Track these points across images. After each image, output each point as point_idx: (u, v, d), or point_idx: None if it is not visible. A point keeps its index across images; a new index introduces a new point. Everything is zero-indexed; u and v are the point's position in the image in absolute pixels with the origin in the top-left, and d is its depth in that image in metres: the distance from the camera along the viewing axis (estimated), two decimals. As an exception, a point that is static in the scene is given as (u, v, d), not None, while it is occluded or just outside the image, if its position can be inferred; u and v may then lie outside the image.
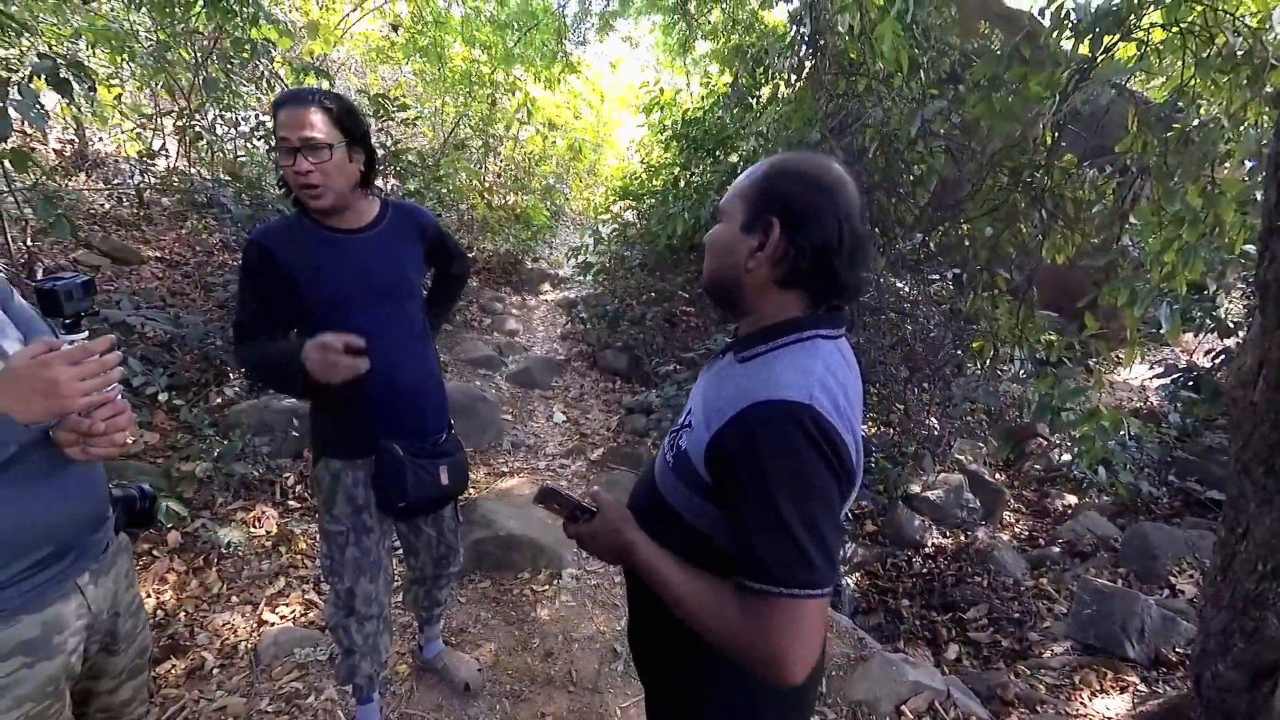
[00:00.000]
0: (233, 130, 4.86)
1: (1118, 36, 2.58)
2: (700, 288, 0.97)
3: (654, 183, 6.82)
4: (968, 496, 3.93)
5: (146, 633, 1.25)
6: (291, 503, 2.82)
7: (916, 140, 3.09)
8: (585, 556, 2.74)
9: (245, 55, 4.45)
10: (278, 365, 1.32)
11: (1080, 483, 3.58)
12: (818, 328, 0.80)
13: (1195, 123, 2.62)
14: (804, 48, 3.63)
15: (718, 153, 6.03)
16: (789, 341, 0.79)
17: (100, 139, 5.52)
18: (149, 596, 2.21)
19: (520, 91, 7.26)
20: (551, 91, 7.75)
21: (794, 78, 4.90)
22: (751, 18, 7.29)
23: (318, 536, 2.18)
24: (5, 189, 3.19)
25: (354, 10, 6.75)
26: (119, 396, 0.94)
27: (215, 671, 2.00)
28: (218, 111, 4.79)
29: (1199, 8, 2.33)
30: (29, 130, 4.67)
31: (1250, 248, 2.67)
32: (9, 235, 3.30)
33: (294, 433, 3.03)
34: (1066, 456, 4.27)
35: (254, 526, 2.64)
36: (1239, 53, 2.25)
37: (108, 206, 4.64)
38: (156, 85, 5.15)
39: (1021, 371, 3.18)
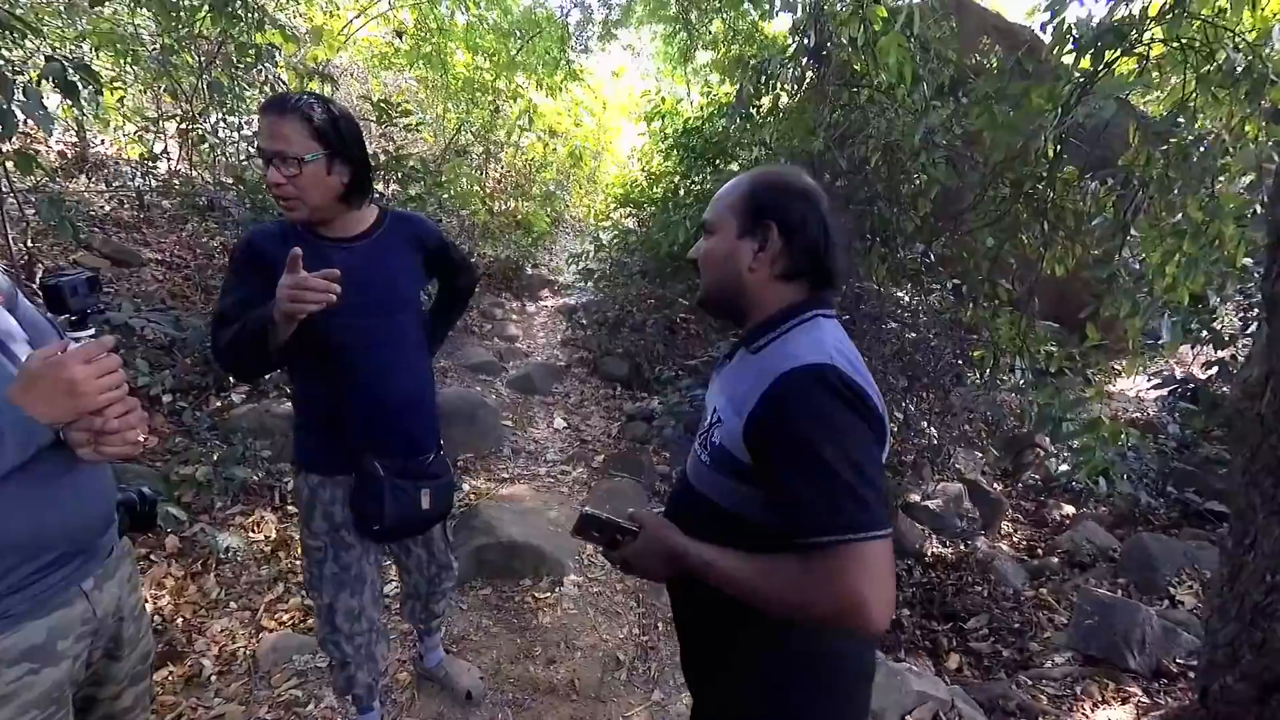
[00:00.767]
0: (235, 134, 4.86)
1: (1119, 51, 2.61)
2: (697, 302, 1.09)
3: (654, 191, 6.86)
4: (967, 506, 3.93)
5: (149, 638, 1.24)
6: (291, 508, 2.80)
7: (919, 151, 3.11)
8: (587, 563, 2.73)
9: (250, 60, 4.46)
10: (251, 330, 1.19)
11: (1079, 493, 3.58)
12: (818, 308, 0.89)
13: (1192, 138, 2.65)
14: (807, 58, 3.65)
15: (718, 162, 6.06)
16: (794, 324, 0.86)
17: (101, 141, 5.51)
18: (146, 602, 2.19)
19: (522, 98, 7.30)
20: (553, 99, 7.79)
21: (796, 88, 4.94)
22: (752, 29, 7.37)
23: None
24: (7, 190, 3.18)
25: (358, 16, 6.78)
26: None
27: (213, 679, 1.98)
28: (221, 115, 4.79)
29: (1198, 24, 2.35)
30: (31, 131, 4.66)
31: (1248, 260, 2.69)
32: (9, 237, 3.28)
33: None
34: (1064, 467, 4.27)
35: (253, 532, 2.62)
36: (1238, 69, 2.28)
37: (108, 209, 4.63)
38: (159, 89, 5.15)
39: (1021, 381, 3.19)
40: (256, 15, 4.25)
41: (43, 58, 2.73)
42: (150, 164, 4.66)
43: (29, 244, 3.56)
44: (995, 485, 4.41)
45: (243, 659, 2.06)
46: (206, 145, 4.62)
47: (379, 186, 5.61)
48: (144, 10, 4.32)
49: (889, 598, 0.71)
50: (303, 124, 1.23)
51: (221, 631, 2.16)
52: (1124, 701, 2.39)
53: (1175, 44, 2.40)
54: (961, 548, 3.71)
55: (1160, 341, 2.43)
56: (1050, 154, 2.86)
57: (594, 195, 9.68)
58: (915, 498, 3.85)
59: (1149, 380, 4.70)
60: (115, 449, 0.91)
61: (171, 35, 4.45)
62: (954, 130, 3.33)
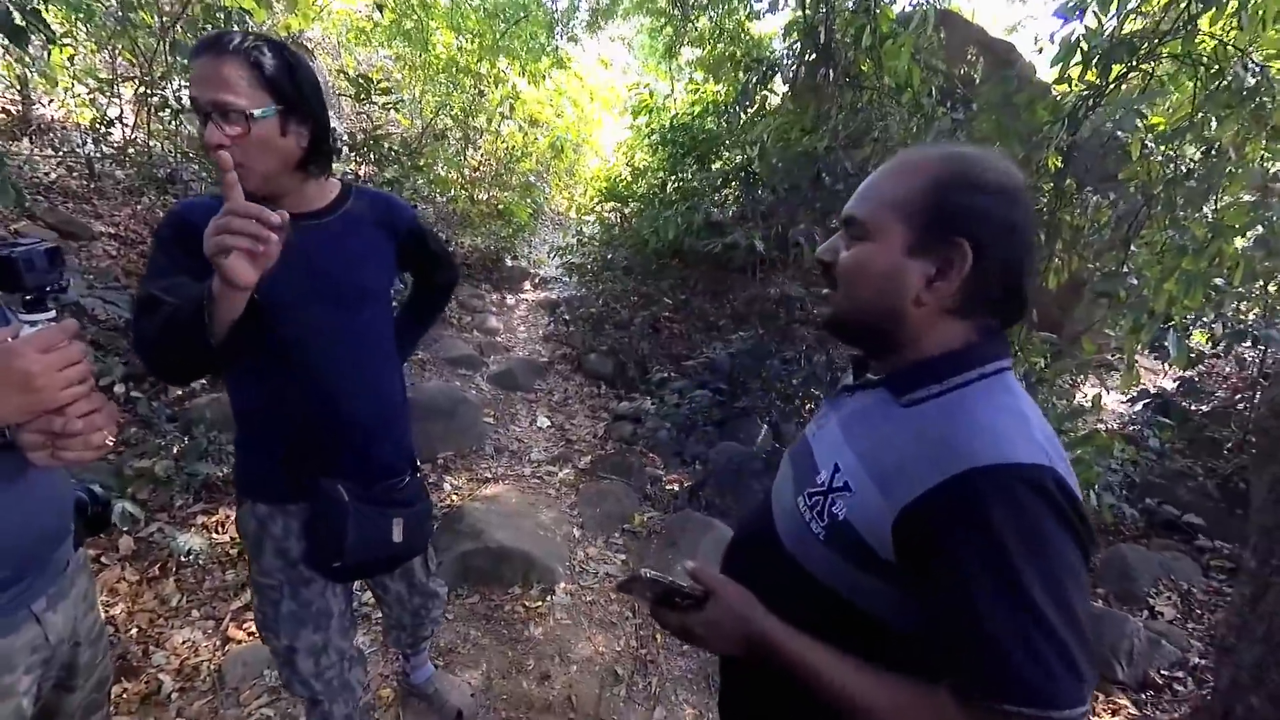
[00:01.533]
0: (200, 102, 4.53)
1: (1126, 67, 2.62)
2: (824, 323, 0.75)
3: (638, 185, 6.75)
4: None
5: (107, 662, 1.08)
6: (259, 506, 2.59)
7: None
8: (579, 570, 2.61)
9: (217, 23, 4.16)
10: (185, 313, 0.90)
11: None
12: (999, 358, 0.65)
13: (1197, 154, 2.69)
14: (813, 54, 3.59)
15: (704, 159, 5.99)
16: (972, 379, 0.64)
17: (49, 102, 5.09)
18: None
19: (504, 84, 7.08)
20: (536, 87, 7.59)
21: (790, 88, 4.90)
22: (738, 28, 7.32)
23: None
24: (-61, 148, 2.86)
25: (335, -14, 6.45)
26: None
27: (174, 696, 1.80)
28: (182, 80, 4.46)
29: (1211, 42, 2.38)
30: (-35, 87, 4.26)
31: (1219, 282, 2.74)
32: (-59, 200, 2.95)
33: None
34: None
35: (217, 532, 2.41)
36: (1246, 87, 2.31)
37: (54, 176, 4.26)
38: (115, 49, 4.77)
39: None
40: (228, -24, 3.97)
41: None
42: (103, 130, 4.30)
43: (-38, 209, 3.23)
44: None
45: (206, 674, 1.88)
46: (167, 112, 4.30)
47: (352, 167, 5.34)
48: (101, -38, 3.98)
49: None
50: (249, 70, 0.96)
51: (183, 643, 1.97)
52: (1114, 714, 2.41)
53: (1186, 60, 2.42)
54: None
55: (1161, 357, 2.44)
56: (1055, 166, 2.87)
57: (574, 188, 9.51)
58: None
59: (1121, 394, 4.83)
60: (76, 453, 0.75)
61: (132, -9, 4.12)
62: (959, 137, 3.32)
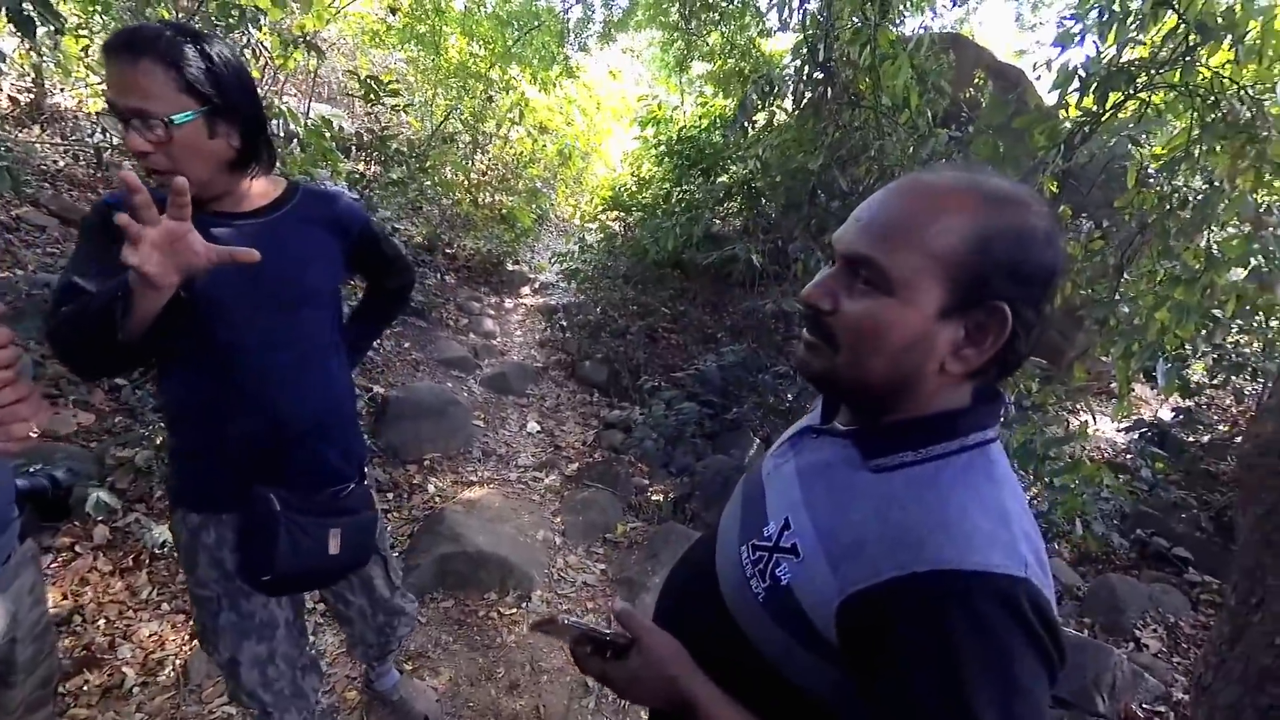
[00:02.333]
0: (209, 97, 4.58)
1: (1124, 95, 2.62)
2: (816, 376, 0.61)
3: (642, 195, 6.78)
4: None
5: (53, 659, 1.06)
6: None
7: (922, 176, 3.10)
8: (556, 579, 2.59)
9: (232, 21, 4.21)
10: (98, 304, 0.88)
11: (1050, 529, 3.62)
12: (984, 427, 0.57)
13: (1191, 184, 2.68)
14: (815, 72, 3.61)
15: (709, 172, 6.02)
16: (951, 450, 0.56)
17: (61, 91, 5.15)
18: (65, 599, 1.97)
19: (515, 91, 7.13)
20: (546, 94, 7.65)
21: (794, 106, 4.93)
22: (749, 45, 7.37)
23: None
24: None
25: (350, -11, 6.52)
26: (20, 376, 0.73)
27: (136, 690, 1.78)
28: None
29: (1207, 74, 2.38)
30: (-21, 73, 4.32)
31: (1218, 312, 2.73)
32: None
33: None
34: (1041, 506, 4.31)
35: (195, 525, 2.40)
36: (1242, 120, 2.30)
37: (62, 164, 4.30)
38: (129, 42, 4.83)
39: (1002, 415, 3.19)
40: (242, -26, 4.02)
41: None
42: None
43: (-36, 194, 3.25)
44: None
45: (171, 669, 1.86)
46: (176, 106, 4.34)
47: (360, 166, 5.38)
48: (118, -44, 4.03)
49: None
50: (166, 72, 0.90)
51: (150, 636, 1.95)
52: (1093, 748, 2.37)
53: (1183, 90, 2.42)
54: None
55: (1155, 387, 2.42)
56: (1050, 191, 2.86)
57: (580, 195, 9.55)
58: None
59: (1114, 422, 4.80)
60: None
61: (147, -15, 4.18)
62: (954, 158, 3.33)
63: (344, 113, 7.52)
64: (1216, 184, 2.42)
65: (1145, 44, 2.74)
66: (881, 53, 3.49)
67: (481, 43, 6.78)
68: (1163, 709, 2.51)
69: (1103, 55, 2.65)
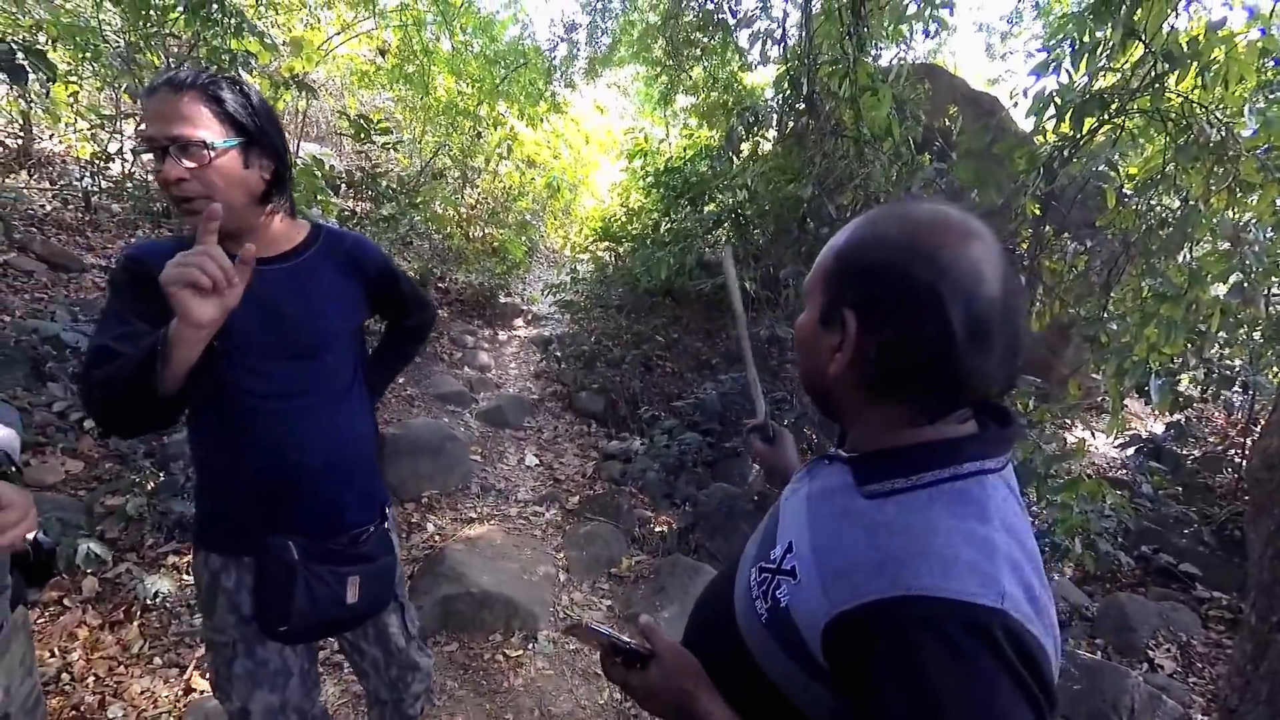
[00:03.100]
0: (200, 140, 4.60)
1: (1098, 120, 2.72)
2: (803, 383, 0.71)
3: (632, 226, 6.86)
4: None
5: None
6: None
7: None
8: (562, 616, 2.53)
9: (223, 65, 4.27)
10: (135, 359, 0.88)
11: (1055, 549, 3.61)
12: (982, 458, 0.58)
13: (1168, 204, 2.76)
14: (798, 104, 3.71)
15: (697, 202, 6.12)
16: (944, 478, 0.56)
17: (49, 137, 5.16)
18: (52, 656, 1.89)
19: (503, 126, 7.25)
20: (533, 129, 7.78)
21: (778, 136, 5.05)
22: (731, 78, 7.58)
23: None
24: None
25: (339, 32, 6.66)
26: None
27: (128, 752, 1.70)
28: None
29: (1176, 99, 2.47)
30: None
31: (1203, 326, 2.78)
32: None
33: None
34: (1040, 524, 4.31)
35: (188, 573, 2.33)
36: (1213, 142, 2.39)
37: (50, 209, 4.28)
38: (120, 87, 4.87)
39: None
40: (234, 21, 4.09)
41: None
42: (102, 164, 4.35)
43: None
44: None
45: (165, 728, 1.78)
46: (167, 149, 4.35)
47: (351, 203, 5.40)
48: (110, 4, 4.10)
49: None
50: (208, 104, 0.96)
51: (142, 693, 1.87)
52: (1116, 773, 2.32)
53: (1155, 115, 2.51)
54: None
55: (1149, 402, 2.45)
56: (1032, 213, 2.94)
57: (569, 227, 9.65)
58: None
59: (1110, 438, 4.83)
60: None
61: (139, 32, 4.23)
62: (939, 185, 3.41)
63: (333, 151, 7.59)
64: (1192, 203, 2.49)
65: (1114, 71, 2.85)
66: (861, 84, 3.60)
67: (469, 81, 6.91)
68: (1182, 730, 2.47)
69: (1075, 83, 2.75)
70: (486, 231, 7.10)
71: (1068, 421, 4.01)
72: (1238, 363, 3.83)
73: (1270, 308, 3.48)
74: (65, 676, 1.85)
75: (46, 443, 2.52)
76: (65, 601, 2.06)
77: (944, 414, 0.60)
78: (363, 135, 4.80)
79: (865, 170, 3.68)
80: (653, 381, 5.02)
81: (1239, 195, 2.47)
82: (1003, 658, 0.47)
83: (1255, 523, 1.52)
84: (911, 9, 3.93)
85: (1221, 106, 2.59)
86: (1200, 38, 2.44)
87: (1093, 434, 4.32)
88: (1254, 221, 2.60)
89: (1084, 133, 2.76)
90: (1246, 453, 3.93)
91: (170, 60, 4.54)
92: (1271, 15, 2.60)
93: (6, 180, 4.40)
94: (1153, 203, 2.84)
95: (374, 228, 5.00)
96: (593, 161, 9.58)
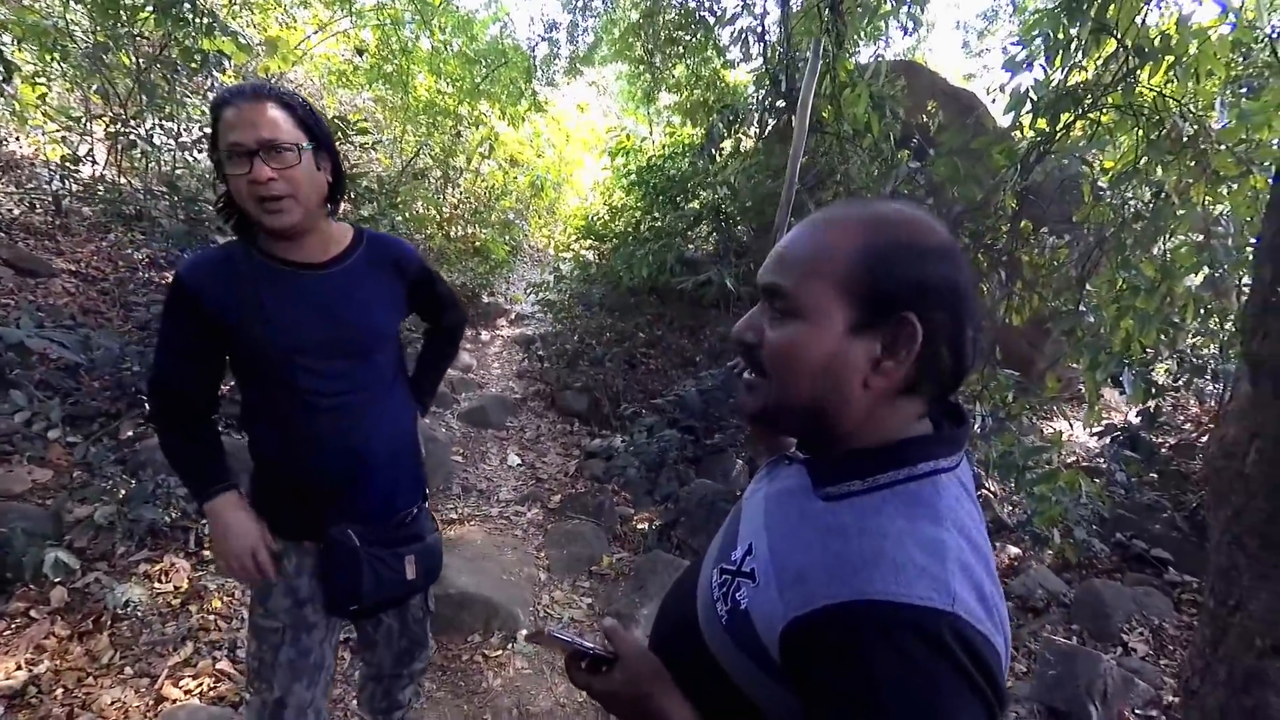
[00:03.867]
0: (172, 141, 4.54)
1: (1073, 116, 2.75)
2: (752, 415, 0.64)
3: (615, 224, 6.85)
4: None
5: None
6: (207, 553, 2.48)
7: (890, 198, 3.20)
8: (542, 615, 2.52)
9: (195, 66, 4.20)
10: (183, 470, 1.21)
11: (1035, 537, 3.66)
12: (935, 457, 0.58)
13: (1141, 198, 2.80)
14: (778, 101, 3.72)
15: (678, 199, 6.12)
16: (899, 479, 0.57)
17: (17, 140, 5.05)
18: (19, 669, 1.85)
19: (484, 126, 7.21)
20: (515, 129, 7.75)
21: (759, 133, 5.06)
22: (714, 76, 7.59)
23: (245, 630, 1.85)
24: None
25: (316, 32, 6.58)
26: None
27: (97, 765, 1.67)
28: (157, 120, 4.47)
29: (1149, 94, 2.50)
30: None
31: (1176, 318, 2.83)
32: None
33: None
34: (1012, 511, 4.36)
35: (160, 581, 2.29)
36: (1185, 136, 2.43)
37: (17, 212, 4.19)
38: (89, 88, 4.79)
39: (980, 428, 3.24)
40: (206, 20, 4.02)
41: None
42: (72, 167, 4.27)
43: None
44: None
45: (135, 739, 1.76)
46: (138, 151, 4.28)
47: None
48: (78, 4, 4.02)
49: None
50: (287, 111, 1.05)
51: (112, 704, 1.84)
52: (1091, 758, 2.35)
53: (1128, 110, 2.54)
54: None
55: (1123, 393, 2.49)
56: (1011, 208, 2.97)
57: (553, 226, 9.62)
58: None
59: (1086, 428, 4.90)
60: None
61: (108, 33, 4.16)
62: (918, 181, 3.44)
63: (313, 152, 7.48)
64: (1165, 197, 2.53)
65: (1087, 68, 2.88)
66: (841, 81, 3.62)
67: (449, 80, 6.86)
68: (1154, 713, 2.52)
69: (1051, 79, 2.78)
70: (468, 231, 7.06)
71: (1047, 413, 4.06)
72: (1208, 352, 3.90)
73: (1240, 298, 3.55)
74: (32, 689, 1.81)
75: (13, 451, 2.47)
76: (32, 613, 2.02)
77: (938, 406, 0.62)
78: (340, 136, 4.75)
79: (845, 166, 3.70)
80: (636, 379, 5.02)
81: (1208, 188, 2.51)
82: (953, 659, 0.47)
83: (1214, 509, 1.54)
84: (887, 6, 3.95)
85: (1194, 100, 2.63)
86: (1172, 32, 2.48)
87: (1071, 425, 4.38)
88: (1225, 214, 2.64)
89: (1059, 128, 2.79)
90: (1208, 442, 4.00)
91: (140, 61, 4.46)
92: (1242, 8, 2.64)
93: (-27, 183, 4.30)
94: (1127, 197, 2.88)
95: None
96: (576, 160, 9.56)
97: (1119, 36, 2.48)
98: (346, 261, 1.19)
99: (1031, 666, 2.89)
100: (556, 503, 3.43)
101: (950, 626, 0.48)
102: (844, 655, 0.49)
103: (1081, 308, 2.71)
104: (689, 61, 7.45)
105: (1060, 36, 2.68)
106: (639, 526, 3.25)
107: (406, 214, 6.12)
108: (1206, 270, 2.44)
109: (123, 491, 2.41)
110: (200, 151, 4.56)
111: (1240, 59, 2.98)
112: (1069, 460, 4.54)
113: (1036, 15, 2.89)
